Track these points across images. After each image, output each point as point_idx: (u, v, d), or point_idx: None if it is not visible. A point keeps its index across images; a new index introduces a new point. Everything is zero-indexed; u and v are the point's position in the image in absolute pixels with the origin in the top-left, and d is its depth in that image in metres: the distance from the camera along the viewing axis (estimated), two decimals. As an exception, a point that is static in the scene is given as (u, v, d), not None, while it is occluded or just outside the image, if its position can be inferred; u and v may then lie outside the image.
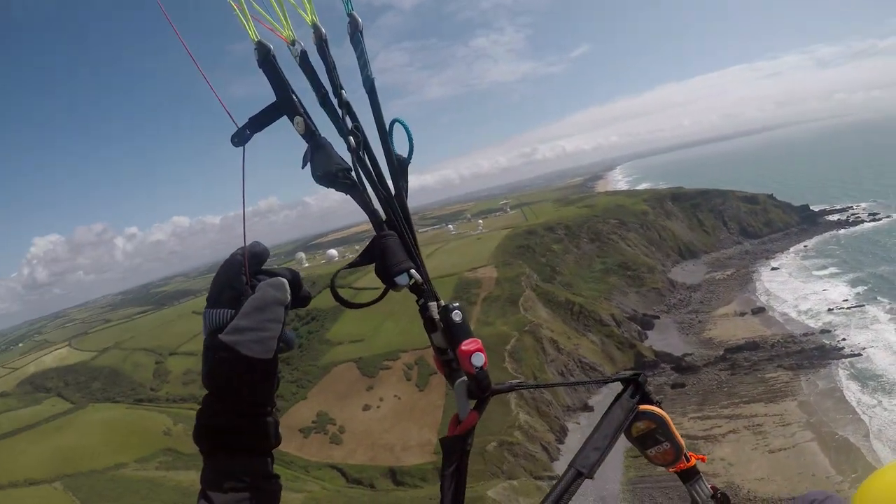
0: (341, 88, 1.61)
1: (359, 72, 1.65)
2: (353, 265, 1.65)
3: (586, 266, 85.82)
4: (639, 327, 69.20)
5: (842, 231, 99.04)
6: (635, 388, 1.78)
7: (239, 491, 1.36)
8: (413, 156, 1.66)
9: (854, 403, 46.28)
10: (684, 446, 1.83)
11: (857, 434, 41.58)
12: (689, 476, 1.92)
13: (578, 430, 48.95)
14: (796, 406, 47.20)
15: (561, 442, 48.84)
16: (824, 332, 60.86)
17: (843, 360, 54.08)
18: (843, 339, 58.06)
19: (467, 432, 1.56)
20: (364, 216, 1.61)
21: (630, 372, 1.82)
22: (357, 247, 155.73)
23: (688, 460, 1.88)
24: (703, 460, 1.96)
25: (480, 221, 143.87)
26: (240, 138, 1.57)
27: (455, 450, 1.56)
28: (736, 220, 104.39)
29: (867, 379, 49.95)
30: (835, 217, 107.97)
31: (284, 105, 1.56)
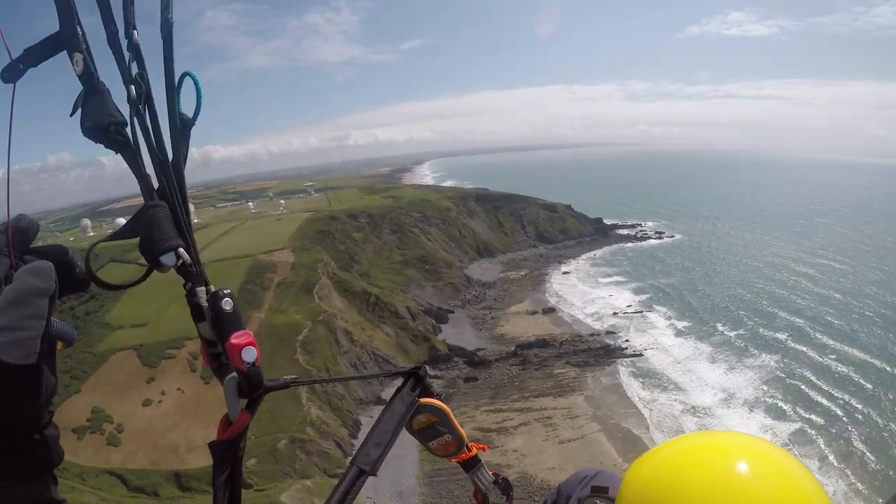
0: (134, 28, 1.44)
1: (159, 13, 1.47)
2: (113, 237, 1.50)
3: (386, 257, 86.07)
4: (433, 321, 70.36)
5: (629, 245, 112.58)
6: (416, 381, 1.91)
7: None
8: (199, 117, 1.48)
9: (635, 399, 51.87)
10: (465, 437, 2.06)
11: (639, 426, 46.41)
12: (471, 465, 2.21)
13: (371, 424, 48.03)
14: (583, 400, 51.22)
15: (354, 437, 47.47)
16: (609, 333, 67.65)
17: (626, 359, 60.75)
18: (626, 341, 65.21)
19: (239, 435, 1.48)
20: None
21: (410, 366, 1.93)
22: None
23: (469, 450, 2.15)
24: (483, 449, 2.23)
25: (282, 202, 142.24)
26: (11, 73, 1.42)
27: (226, 455, 1.48)
28: (534, 224, 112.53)
29: (646, 377, 56.50)
30: (624, 231, 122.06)
31: (67, 38, 1.39)
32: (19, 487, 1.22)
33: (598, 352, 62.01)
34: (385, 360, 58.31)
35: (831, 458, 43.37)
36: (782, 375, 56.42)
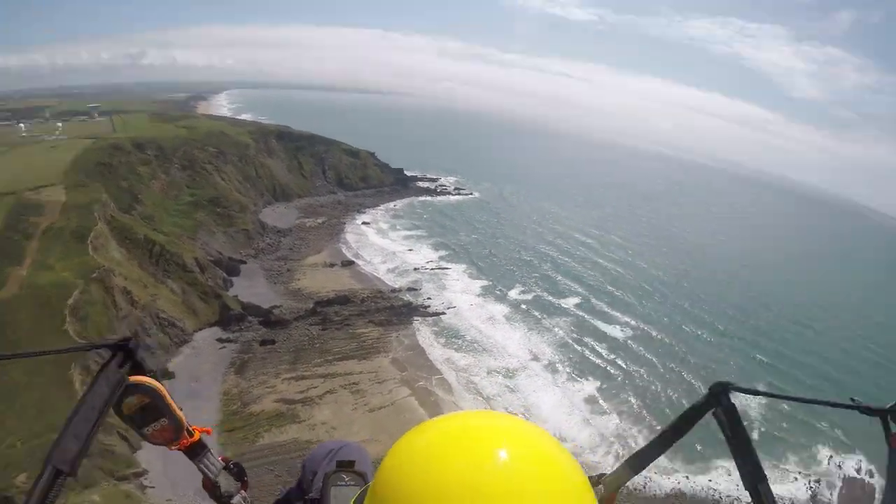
0: None
1: None
2: None
3: (173, 197, 76.72)
4: (224, 273, 64.31)
5: (429, 198, 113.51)
6: (125, 356, 1.63)
7: None
8: None
9: (440, 361, 51.84)
10: (185, 420, 1.87)
11: (447, 390, 46.22)
12: (197, 452, 2.01)
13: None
14: (389, 363, 49.84)
15: None
16: (411, 290, 67.20)
17: (429, 317, 60.52)
18: (428, 299, 65.17)
19: None
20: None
21: (118, 338, 1.66)
22: None
23: (191, 435, 1.94)
24: (208, 433, 2.04)
25: (60, 125, 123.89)
26: None
27: None
28: (335, 169, 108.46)
29: (450, 337, 57.00)
30: (425, 185, 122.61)
31: None
32: None
33: (401, 310, 61.08)
34: (170, 324, 51.66)
35: (626, 412, 48.89)
36: (575, 338, 60.72)
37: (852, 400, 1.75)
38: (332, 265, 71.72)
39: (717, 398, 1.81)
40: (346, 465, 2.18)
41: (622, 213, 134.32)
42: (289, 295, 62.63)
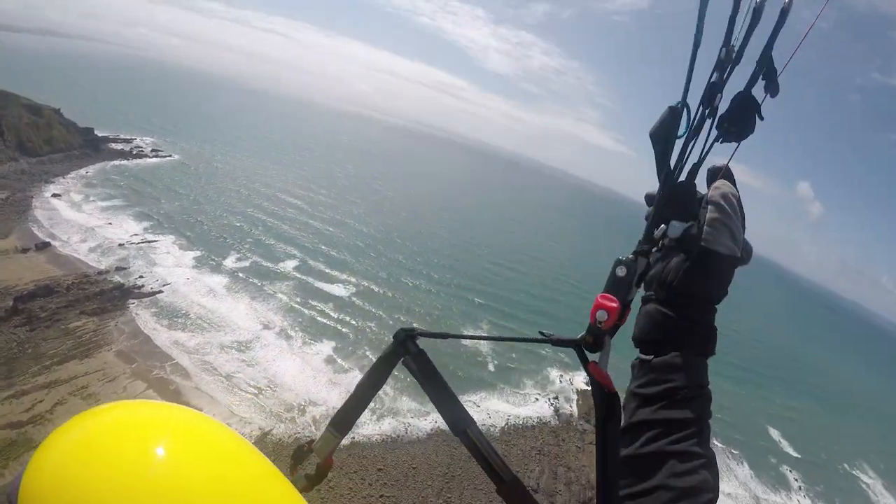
0: None
1: None
2: None
3: None
4: None
5: (125, 162, 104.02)
6: None
7: None
8: None
9: (168, 344, 49.92)
10: None
11: (182, 374, 45.48)
12: None
13: None
14: (115, 356, 46.60)
15: None
16: (120, 269, 62.44)
17: (145, 298, 57.36)
18: (141, 277, 61.44)
19: None
20: None
21: None
22: None
23: None
24: None
25: None
26: None
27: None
28: (15, 131, 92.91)
29: (172, 317, 54.88)
30: (119, 146, 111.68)
31: None
32: None
33: (114, 294, 56.69)
34: None
35: (366, 365, 50.91)
36: (300, 302, 63.42)
37: (542, 334, 1.89)
38: (25, 250, 63.16)
39: (404, 345, 1.88)
40: None
41: (324, 172, 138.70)
42: (-24, 290, 54.67)
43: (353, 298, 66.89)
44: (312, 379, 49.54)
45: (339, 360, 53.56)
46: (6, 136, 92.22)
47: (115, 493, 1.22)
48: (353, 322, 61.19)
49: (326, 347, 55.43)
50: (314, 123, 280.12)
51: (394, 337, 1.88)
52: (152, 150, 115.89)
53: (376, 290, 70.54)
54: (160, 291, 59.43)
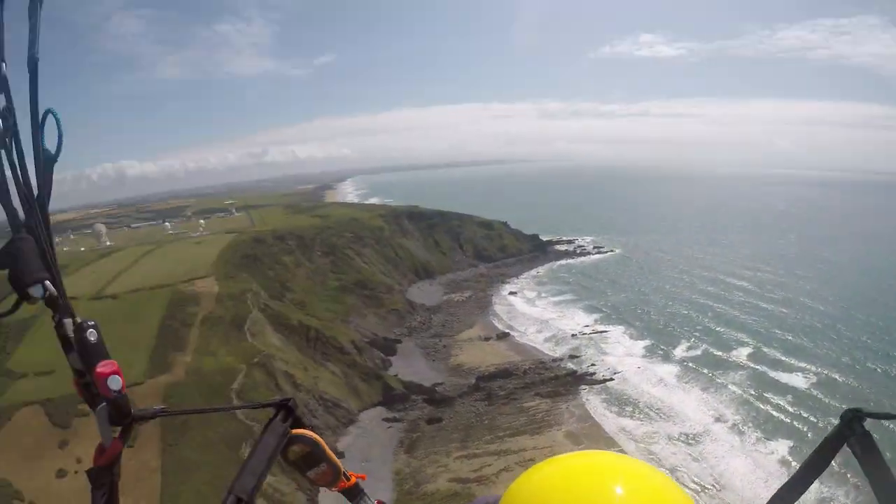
0: (3, 60, 1.47)
1: (27, 47, 1.51)
2: None
3: (320, 283, 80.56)
4: (381, 353, 65.48)
5: (570, 261, 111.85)
6: (286, 412, 1.93)
7: None
8: (61, 155, 1.55)
9: (615, 430, 49.25)
10: (341, 466, 2.11)
11: (628, 461, 42.88)
12: (354, 494, 2.27)
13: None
14: (563, 436, 47.81)
15: (313, 502, 41.34)
16: (573, 357, 65.12)
17: (596, 385, 58.06)
18: (592, 365, 62.67)
19: (112, 462, 1.59)
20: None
21: (280, 398, 1.96)
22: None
23: (348, 479, 2.20)
24: (363, 478, 2.29)
25: (202, 222, 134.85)
26: None
27: (103, 481, 1.59)
28: (472, 243, 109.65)
29: (621, 405, 54.16)
30: (563, 247, 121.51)
31: None
32: None
33: (566, 379, 59.17)
34: (335, 405, 52.95)
35: (826, 473, 41.56)
36: (754, 394, 55.72)
37: None
38: (487, 339, 71.14)
39: (850, 426, 1.72)
40: None
41: (765, 246, 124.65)
42: (449, 371, 62.55)
43: (813, 390, 56.29)
44: (763, 483, 42.55)
45: (794, 463, 44.50)
46: (465, 247, 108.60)
47: None
48: (813, 418, 51.03)
49: (782, 447, 47.28)
50: (741, 196, 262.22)
51: (840, 417, 1.78)
52: (594, 248, 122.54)
53: (839, 378, 58.41)
54: (611, 379, 59.72)
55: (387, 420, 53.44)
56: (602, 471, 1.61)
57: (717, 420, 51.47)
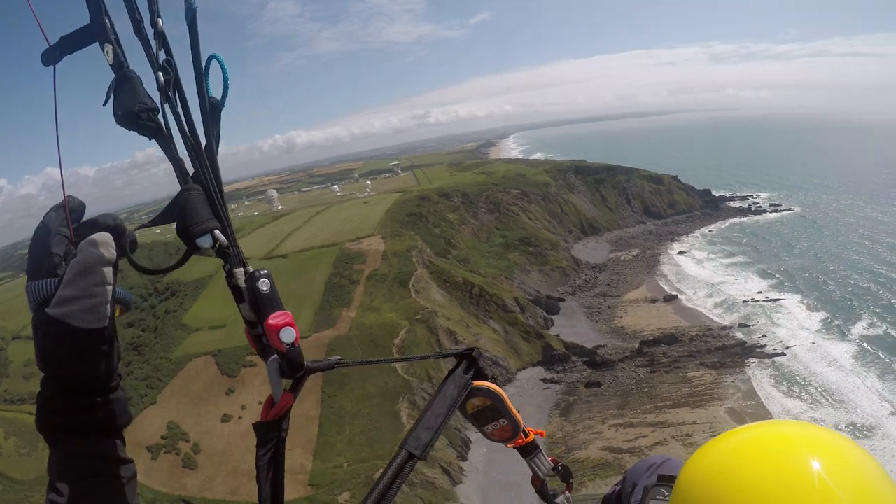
0: (159, 16, 1.48)
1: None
2: (152, 223, 1.56)
3: (485, 239, 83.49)
4: (544, 312, 67.53)
5: (745, 219, 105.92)
6: (469, 363, 1.89)
7: (89, 479, 1.36)
8: (227, 100, 1.55)
9: (781, 413, 46.81)
10: (522, 422, 2.04)
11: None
12: (529, 451, 2.20)
13: (483, 442, 44.56)
14: (725, 413, 46.98)
15: (464, 458, 44.25)
16: (743, 326, 62.75)
17: (766, 359, 55.53)
18: (764, 337, 59.96)
19: (282, 416, 1.54)
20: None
21: (464, 347, 1.96)
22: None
23: (526, 436, 2.13)
24: (542, 435, 2.25)
25: (369, 183, 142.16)
26: (49, 57, 1.52)
27: (270, 436, 1.54)
28: (640, 198, 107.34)
29: (792, 383, 51.61)
30: (736, 204, 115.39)
31: (97, 29, 1.46)
32: (92, 444, 1.37)
33: (734, 350, 57.52)
34: (494, 363, 55.31)
35: None
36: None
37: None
38: (653, 301, 70.70)
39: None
40: (667, 480, 2.13)
41: None
42: (612, 334, 63.30)
43: None
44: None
45: None
46: (633, 203, 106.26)
47: (764, 495, 1.38)
48: None
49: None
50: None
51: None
52: (770, 205, 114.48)
53: None
54: (782, 354, 56.48)
55: (544, 381, 55.36)
56: (798, 442, 1.52)
57: (893, 413, 46.90)
